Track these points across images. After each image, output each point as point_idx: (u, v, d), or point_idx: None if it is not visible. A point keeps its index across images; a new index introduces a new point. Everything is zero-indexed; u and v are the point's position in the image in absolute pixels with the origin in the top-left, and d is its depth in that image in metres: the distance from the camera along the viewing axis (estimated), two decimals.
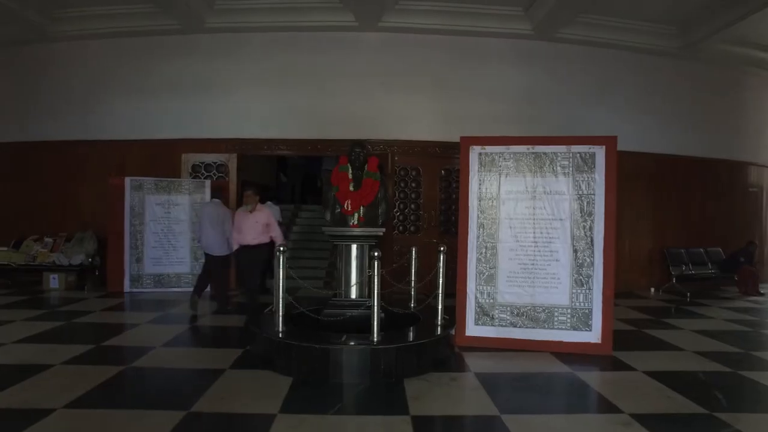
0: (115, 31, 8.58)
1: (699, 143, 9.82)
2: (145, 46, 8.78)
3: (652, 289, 9.26)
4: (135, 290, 8.18)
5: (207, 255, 6.90)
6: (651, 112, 9.35)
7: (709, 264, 9.55)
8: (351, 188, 4.89)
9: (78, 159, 8.84)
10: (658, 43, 9.17)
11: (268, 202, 9.52)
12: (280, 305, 4.53)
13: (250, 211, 6.26)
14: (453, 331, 4.96)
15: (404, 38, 8.73)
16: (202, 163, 8.85)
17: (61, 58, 8.93)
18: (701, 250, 9.65)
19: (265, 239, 6.33)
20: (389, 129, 8.67)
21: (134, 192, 8.29)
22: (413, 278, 5.74)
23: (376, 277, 4.20)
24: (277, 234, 6.39)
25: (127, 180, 8.24)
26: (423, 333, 4.64)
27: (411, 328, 4.75)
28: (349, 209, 4.83)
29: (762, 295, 9.00)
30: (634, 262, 9.21)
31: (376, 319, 4.20)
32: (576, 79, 9.07)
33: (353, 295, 4.97)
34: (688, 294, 8.64)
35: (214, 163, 8.86)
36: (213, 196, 7.60)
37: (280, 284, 4.50)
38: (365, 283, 4.83)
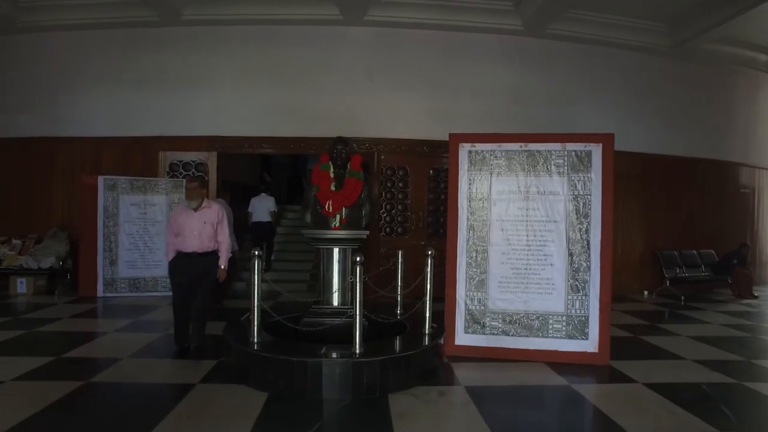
0: (88, 23, 8.17)
1: (689, 143, 9.66)
2: (120, 38, 8.38)
3: (645, 293, 9.06)
4: (109, 295, 7.79)
5: None
6: (640, 112, 9.15)
7: (702, 266, 9.37)
8: (332, 188, 4.57)
9: (49, 157, 8.41)
10: (648, 40, 8.98)
11: (262, 194, 9.41)
12: (256, 313, 4.19)
13: (195, 209, 4.70)
14: (442, 341, 4.65)
15: (391, 33, 8.43)
16: (180, 161, 8.47)
17: (31, 50, 8.49)
18: (694, 252, 9.47)
19: (213, 246, 4.75)
20: (375, 127, 8.36)
21: (108, 192, 7.89)
22: (399, 283, 5.44)
23: (358, 283, 3.88)
24: (224, 238, 4.80)
25: (101, 179, 7.84)
26: (409, 343, 4.33)
27: (397, 338, 4.44)
28: (331, 210, 4.50)
29: (756, 297, 8.83)
30: (626, 265, 8.99)
31: (358, 329, 3.88)
32: (565, 78, 8.83)
33: (335, 303, 4.64)
34: (682, 297, 8.43)
35: (193, 161, 8.49)
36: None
37: (256, 290, 4.15)
38: (348, 289, 4.51)
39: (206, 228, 4.68)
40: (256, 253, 4.21)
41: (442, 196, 8.51)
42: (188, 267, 4.61)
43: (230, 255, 5.03)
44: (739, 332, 6.22)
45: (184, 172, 8.44)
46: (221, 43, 8.38)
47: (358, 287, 3.89)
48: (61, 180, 8.37)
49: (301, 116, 8.38)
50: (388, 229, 8.49)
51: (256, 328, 4.18)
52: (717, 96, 10.05)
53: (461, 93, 8.40)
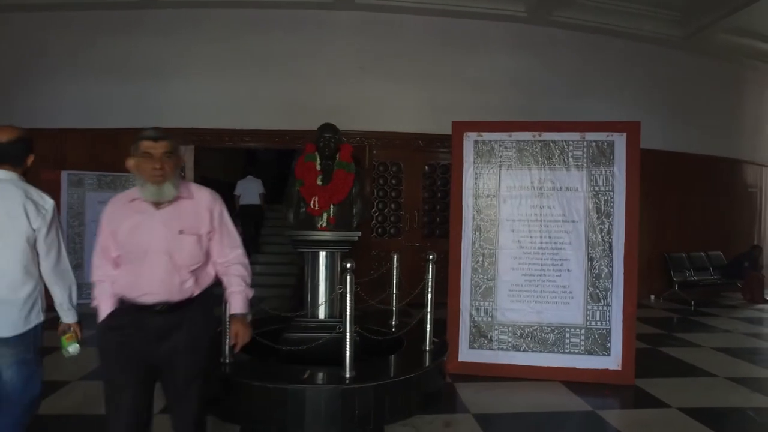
0: (50, 3, 7.44)
1: (698, 140, 9.15)
2: (86, 21, 7.64)
3: (652, 297, 8.52)
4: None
5: None
6: (648, 106, 8.59)
7: (711, 269, 8.88)
8: (319, 182, 3.94)
9: None
10: (660, 30, 8.45)
11: (249, 176, 9.05)
12: (228, 326, 3.54)
13: (158, 204, 2.10)
14: (445, 358, 4.05)
15: (384, 19, 7.80)
16: None
17: None
18: (702, 254, 8.97)
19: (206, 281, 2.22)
20: (367, 119, 7.73)
21: (73, 188, 7.19)
22: (395, 291, 4.83)
23: (348, 294, 3.26)
24: (237, 256, 2.23)
25: (64, 174, 7.13)
26: (408, 364, 3.72)
27: (393, 358, 3.82)
28: (317, 208, 3.87)
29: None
30: None
31: (348, 349, 3.27)
32: (571, 69, 8.27)
33: (322, 315, 4.01)
34: (692, 302, 7.92)
35: None
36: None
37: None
38: (337, 299, 3.88)
39: (186, 244, 2.11)
40: None
41: (439, 194, 7.95)
42: (146, 344, 2.06)
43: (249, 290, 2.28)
44: (764, 343, 5.70)
45: None
46: (199, 27, 7.69)
47: (348, 298, 3.27)
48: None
49: (287, 108, 7.72)
50: (380, 230, 7.87)
51: (227, 345, 3.54)
52: (726, 92, 9.57)
53: (459, 84, 7.79)
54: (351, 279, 3.26)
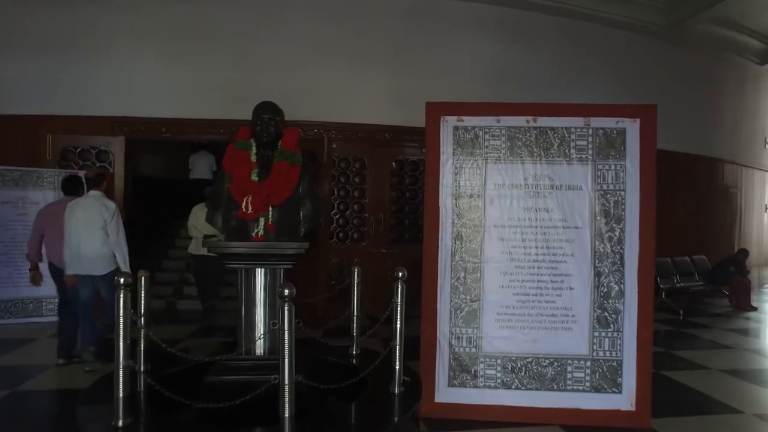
0: None
1: (677, 137, 8.59)
2: None
3: None
4: None
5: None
6: (627, 99, 7.94)
7: (696, 274, 8.34)
8: (254, 177, 2.99)
9: None
10: (643, 17, 7.88)
11: (202, 150, 8.78)
12: (120, 367, 2.54)
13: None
14: (420, 403, 3.17)
15: None
16: (76, 147, 6.61)
17: None
18: (687, 258, 8.41)
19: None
20: (326, 109, 6.79)
21: None
22: (355, 312, 3.91)
23: (286, 333, 2.34)
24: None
25: None
26: (372, 418, 2.82)
27: (352, 408, 2.90)
28: (250, 212, 2.92)
29: (755, 309, 7.85)
30: None
31: (287, 407, 2.35)
32: (549, 57, 7.55)
33: (260, 351, 3.06)
34: (681, 311, 7.32)
35: (93, 148, 6.65)
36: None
37: (120, 331, 2.50)
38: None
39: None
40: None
41: (407, 194, 7.11)
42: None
43: None
44: None
45: (82, 162, 6.61)
46: (133, 0, 6.60)
47: (286, 338, 2.35)
48: None
49: (236, 95, 6.61)
50: (341, 235, 6.94)
51: (121, 393, 2.54)
52: (705, 87, 9.12)
53: (431, 71, 6.94)
54: (290, 311, 2.34)
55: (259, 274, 3.05)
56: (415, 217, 7.06)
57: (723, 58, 9.28)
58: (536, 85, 7.26)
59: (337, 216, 6.92)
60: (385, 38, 6.97)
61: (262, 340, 3.03)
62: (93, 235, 4.19)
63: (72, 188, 4.70)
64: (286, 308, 2.34)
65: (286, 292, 2.34)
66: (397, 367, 3.11)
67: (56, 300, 6.11)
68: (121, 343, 2.47)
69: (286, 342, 2.35)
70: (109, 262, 4.25)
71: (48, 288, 6.19)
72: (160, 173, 8.84)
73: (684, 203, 8.60)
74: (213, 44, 6.70)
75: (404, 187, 7.06)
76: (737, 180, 9.90)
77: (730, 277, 8.07)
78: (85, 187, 4.75)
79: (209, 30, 6.71)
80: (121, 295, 2.48)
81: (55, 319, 6.06)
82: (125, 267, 4.17)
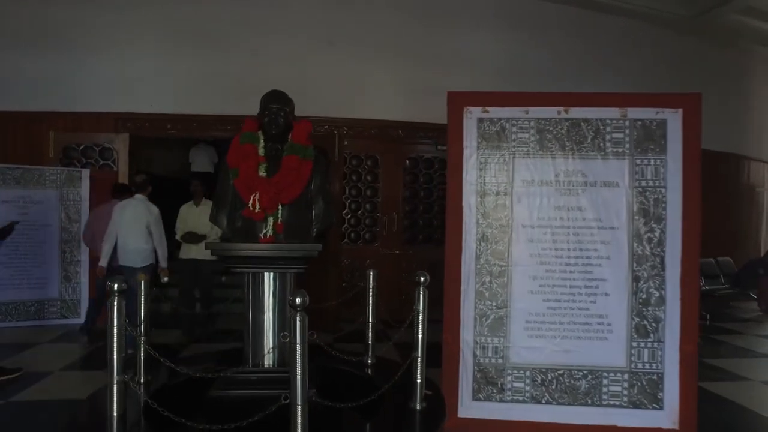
0: None
1: (704, 134, 8.25)
2: None
3: None
4: None
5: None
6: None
7: (722, 277, 7.98)
8: (262, 173, 2.74)
9: None
10: (664, 8, 7.55)
11: (201, 143, 8.51)
12: (114, 383, 2.31)
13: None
14: (445, 420, 2.90)
15: None
16: (79, 145, 6.42)
17: None
18: (712, 260, 8.05)
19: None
20: (337, 104, 6.54)
21: None
22: (370, 319, 3.65)
23: (299, 346, 2.09)
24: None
25: None
26: None
27: (370, 428, 2.64)
28: (258, 210, 2.66)
29: None
30: None
31: (299, 430, 2.09)
32: (566, 49, 7.25)
33: (269, 362, 2.80)
34: (708, 316, 6.98)
35: (97, 145, 6.46)
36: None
37: (114, 342, 2.27)
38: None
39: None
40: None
41: (422, 193, 6.84)
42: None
43: None
44: None
45: (85, 160, 6.41)
46: None
47: (298, 352, 2.09)
48: None
49: (243, 90, 6.27)
50: (353, 235, 6.69)
51: (115, 412, 2.31)
52: (730, 82, 8.73)
53: (444, 64, 6.66)
54: (303, 322, 2.08)
55: (268, 279, 2.80)
56: (429, 217, 6.80)
57: (750, 51, 8.92)
58: (553, 78, 6.94)
59: (349, 216, 6.67)
60: (399, 30, 6.71)
61: (270, 352, 2.77)
62: (138, 233, 4.85)
63: (121, 193, 5.27)
64: (298, 319, 2.07)
65: (298, 300, 2.08)
66: (419, 381, 2.85)
67: (59, 303, 6.03)
68: (115, 356, 2.22)
69: (298, 358, 2.09)
70: (148, 257, 4.92)
71: (50, 289, 6.08)
72: (161, 171, 8.59)
73: (708, 203, 8.19)
74: (219, 38, 6.48)
75: (418, 186, 6.80)
76: (764, 179, 9.53)
77: (760, 279, 7.71)
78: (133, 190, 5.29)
79: (214, 23, 6.50)
80: (115, 302, 2.23)
81: (57, 322, 5.94)
82: (165, 263, 5.02)
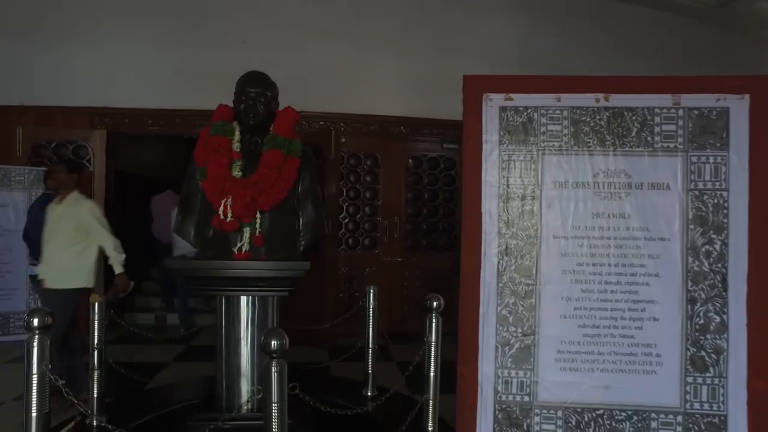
0: None
1: None
2: None
3: None
4: None
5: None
6: None
7: None
8: (236, 172, 2.21)
9: None
10: None
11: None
12: None
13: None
14: None
15: None
16: (50, 142, 5.90)
17: None
18: None
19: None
20: (333, 98, 6.06)
21: None
22: (370, 345, 3.12)
23: (274, 405, 1.55)
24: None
25: None
26: None
27: None
28: (230, 219, 2.12)
29: None
30: None
31: None
32: (584, 40, 6.79)
33: (244, 401, 2.26)
34: None
35: (70, 143, 5.94)
36: None
37: (34, 394, 1.73)
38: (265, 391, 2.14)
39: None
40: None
41: (426, 195, 6.34)
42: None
43: None
44: None
45: (56, 158, 5.88)
46: None
47: (274, 411, 1.55)
48: None
49: (231, 82, 5.91)
50: (350, 241, 6.16)
51: None
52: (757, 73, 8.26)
53: (452, 55, 6.13)
54: (281, 373, 1.54)
55: (244, 304, 2.26)
56: (434, 221, 6.30)
57: None
58: (569, 70, 6.42)
59: (347, 220, 6.16)
60: (402, 18, 6.23)
61: (246, 389, 2.23)
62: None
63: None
64: (273, 369, 1.54)
65: (273, 344, 1.54)
66: (430, 426, 2.31)
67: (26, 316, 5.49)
68: (33, 415, 1.68)
69: (274, 418, 1.55)
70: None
71: (16, 301, 5.61)
72: (150, 172, 8.07)
73: None
74: (205, 26, 6.00)
75: (422, 188, 6.31)
76: None
77: None
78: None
79: (200, 10, 6.01)
80: (35, 343, 1.69)
81: (24, 337, 5.39)
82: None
